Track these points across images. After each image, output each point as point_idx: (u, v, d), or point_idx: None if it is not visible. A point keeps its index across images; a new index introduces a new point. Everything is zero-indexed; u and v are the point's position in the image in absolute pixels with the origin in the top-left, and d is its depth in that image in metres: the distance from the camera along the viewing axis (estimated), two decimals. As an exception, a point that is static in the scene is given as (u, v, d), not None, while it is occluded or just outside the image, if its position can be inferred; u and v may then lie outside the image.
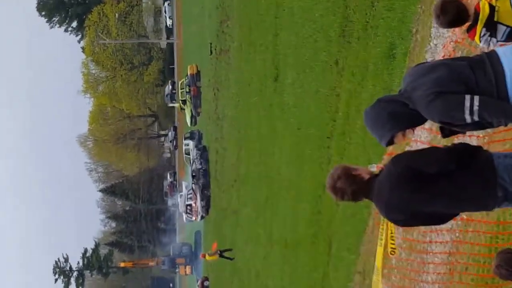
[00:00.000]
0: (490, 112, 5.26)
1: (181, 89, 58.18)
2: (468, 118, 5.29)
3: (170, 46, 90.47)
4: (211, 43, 42.44)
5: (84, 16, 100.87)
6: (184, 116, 60.82)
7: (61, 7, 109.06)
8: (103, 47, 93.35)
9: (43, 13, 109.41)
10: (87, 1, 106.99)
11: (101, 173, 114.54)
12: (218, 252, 34.62)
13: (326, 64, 17.01)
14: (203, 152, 48.20)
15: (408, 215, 5.70)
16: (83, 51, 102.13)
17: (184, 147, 54.04)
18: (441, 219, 5.89)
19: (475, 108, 5.22)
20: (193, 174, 48.60)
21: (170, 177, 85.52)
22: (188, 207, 52.27)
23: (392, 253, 9.15)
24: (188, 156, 52.69)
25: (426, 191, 5.59)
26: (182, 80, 58.73)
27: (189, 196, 51.58)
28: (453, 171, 5.55)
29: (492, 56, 5.50)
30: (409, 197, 5.60)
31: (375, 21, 13.76)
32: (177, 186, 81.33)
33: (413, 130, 5.67)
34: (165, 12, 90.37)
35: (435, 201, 5.60)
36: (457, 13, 5.70)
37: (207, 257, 35.56)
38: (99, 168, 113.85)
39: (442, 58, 5.80)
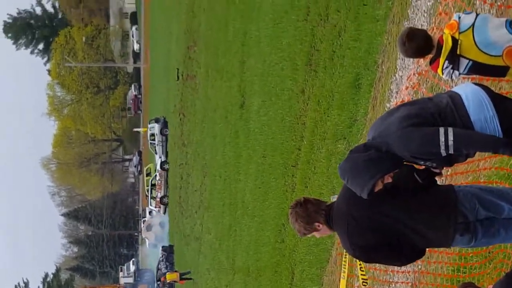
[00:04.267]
0: (465, 145, 5.30)
1: (146, 175, 58.49)
2: (443, 153, 5.32)
3: (137, 70, 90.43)
4: (178, 69, 42.41)
5: (51, 39, 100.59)
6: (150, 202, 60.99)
7: (27, 29, 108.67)
8: (69, 70, 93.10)
9: (9, 34, 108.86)
10: (54, 24, 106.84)
11: (64, 197, 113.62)
12: (179, 273, 35.25)
13: (292, 92, 17.04)
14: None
15: (369, 236, 5.67)
16: (49, 74, 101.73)
17: (149, 132, 53.43)
18: (405, 254, 5.83)
19: (450, 143, 5.26)
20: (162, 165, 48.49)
21: (135, 90, 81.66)
22: (152, 199, 52.31)
23: (364, 284, 9.01)
24: (153, 143, 52.18)
25: (385, 203, 5.60)
26: (147, 168, 59.04)
27: (152, 184, 51.62)
28: (414, 188, 5.61)
29: (448, 91, 5.71)
30: (368, 210, 5.60)
31: (342, 51, 13.82)
32: (141, 102, 78.84)
33: (391, 176, 5.60)
34: (132, 36, 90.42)
35: (394, 214, 5.59)
36: (424, 41, 5.78)
37: (167, 275, 36.01)
38: (62, 192, 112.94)
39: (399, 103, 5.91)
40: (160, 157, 51.17)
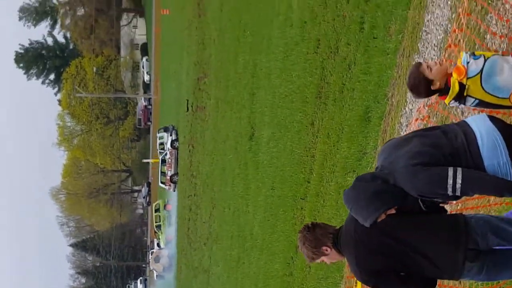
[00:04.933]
0: (473, 188, 5.27)
1: (155, 211, 58.70)
2: (450, 194, 5.31)
3: (147, 101, 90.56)
4: (187, 100, 42.51)
5: (62, 69, 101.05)
6: (158, 238, 61.03)
7: (39, 59, 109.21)
8: (80, 100, 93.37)
9: (21, 64, 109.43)
10: (65, 54, 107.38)
11: (73, 227, 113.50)
12: None
13: (302, 124, 17.02)
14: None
15: (377, 260, 5.61)
16: (60, 104, 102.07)
17: (158, 141, 53.47)
18: (413, 283, 5.74)
19: (458, 186, 5.24)
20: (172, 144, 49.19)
21: (145, 101, 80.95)
22: (162, 174, 52.55)
23: None
24: (163, 152, 52.26)
25: (393, 225, 5.55)
26: (156, 204, 59.35)
27: (163, 161, 52.13)
28: (422, 212, 5.59)
29: (462, 123, 5.63)
30: (376, 232, 5.56)
31: (352, 84, 13.82)
32: (151, 113, 78.46)
33: (395, 208, 5.59)
34: (143, 67, 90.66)
35: (402, 236, 5.53)
36: (426, 90, 5.93)
37: None
38: (71, 222, 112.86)
39: (413, 130, 5.86)
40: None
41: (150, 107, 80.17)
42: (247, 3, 26.01)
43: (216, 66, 32.66)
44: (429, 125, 9.79)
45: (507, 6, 8.38)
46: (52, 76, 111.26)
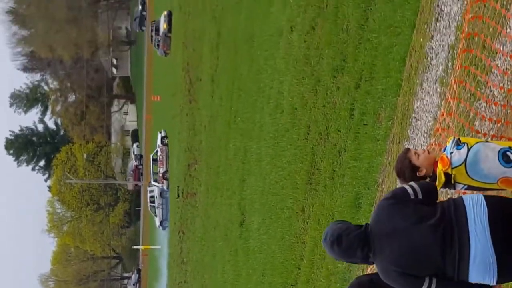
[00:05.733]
0: None
1: None
2: None
3: (138, 161, 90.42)
4: (178, 186, 42.51)
5: (52, 155, 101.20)
6: None
7: (29, 146, 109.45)
8: (70, 187, 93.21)
9: (11, 151, 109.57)
10: (56, 141, 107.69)
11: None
12: None
13: (292, 211, 16.96)
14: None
15: None
16: (49, 190, 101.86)
17: (148, 194, 53.46)
18: None
19: None
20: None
21: (136, 160, 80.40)
22: (154, 174, 52.89)
23: None
24: (153, 205, 52.20)
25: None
26: None
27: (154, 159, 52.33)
28: None
29: (460, 214, 5.32)
30: None
31: (342, 170, 13.82)
32: (143, 172, 77.97)
33: None
34: (133, 153, 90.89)
35: None
36: (412, 176, 5.85)
37: None
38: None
39: (416, 205, 5.55)
40: (160, 219, 51.47)
41: (141, 167, 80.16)
42: (238, 89, 26.21)
43: (207, 152, 32.73)
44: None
45: (495, 92, 8.46)
46: (42, 163, 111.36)
